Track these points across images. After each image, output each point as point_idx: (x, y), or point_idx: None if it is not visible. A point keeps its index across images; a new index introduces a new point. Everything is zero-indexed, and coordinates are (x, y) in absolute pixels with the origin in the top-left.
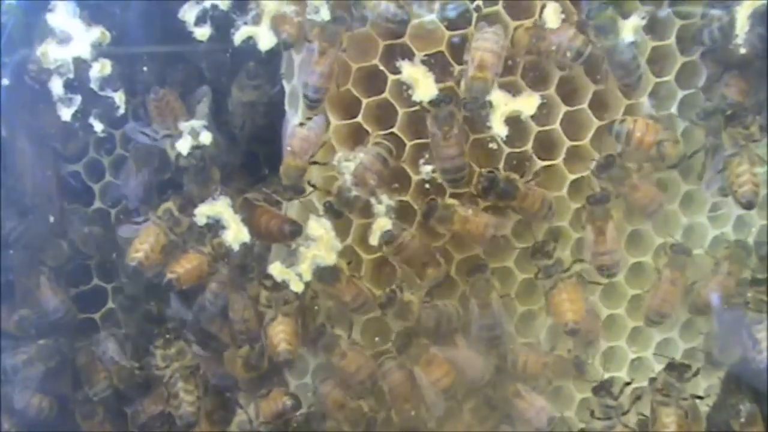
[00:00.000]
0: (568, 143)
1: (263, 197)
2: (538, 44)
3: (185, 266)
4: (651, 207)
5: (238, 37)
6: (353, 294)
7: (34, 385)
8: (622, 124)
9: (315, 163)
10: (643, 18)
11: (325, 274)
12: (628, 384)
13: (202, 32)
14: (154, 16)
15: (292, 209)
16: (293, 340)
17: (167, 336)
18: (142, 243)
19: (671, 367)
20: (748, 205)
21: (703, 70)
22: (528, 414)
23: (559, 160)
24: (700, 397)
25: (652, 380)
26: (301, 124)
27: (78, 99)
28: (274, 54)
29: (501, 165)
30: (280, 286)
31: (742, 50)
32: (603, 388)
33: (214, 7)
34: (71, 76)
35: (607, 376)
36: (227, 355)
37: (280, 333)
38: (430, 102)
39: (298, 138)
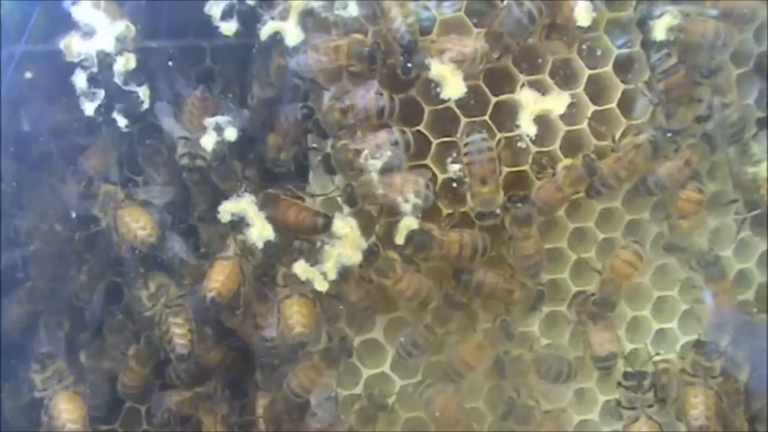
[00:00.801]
0: (594, 142)
1: (284, 192)
2: None
3: (219, 278)
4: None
5: (265, 32)
6: (360, 295)
7: None
8: None
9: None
10: (675, 17)
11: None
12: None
13: (229, 27)
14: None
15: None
16: (309, 323)
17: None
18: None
19: (699, 344)
20: None
21: None
22: None
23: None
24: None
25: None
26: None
27: (101, 93)
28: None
29: (529, 164)
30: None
31: None
32: (633, 377)
33: (241, 1)
34: (95, 69)
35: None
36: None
37: (295, 314)
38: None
39: (364, 103)
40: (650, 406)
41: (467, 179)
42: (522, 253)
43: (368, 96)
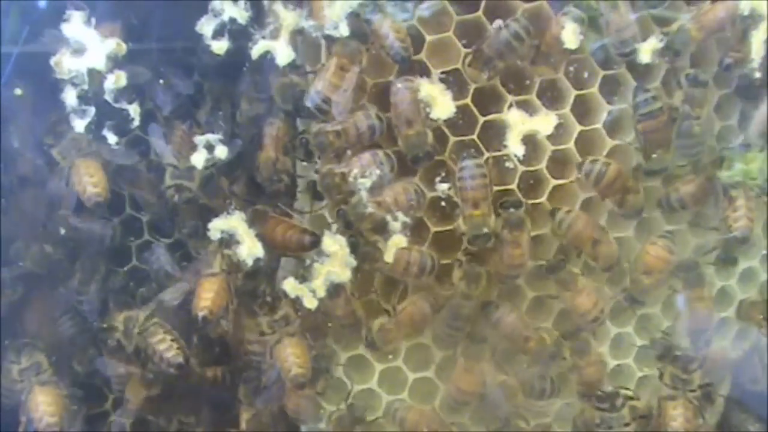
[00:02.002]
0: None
1: (272, 209)
2: None
3: (209, 296)
4: (590, 315)
5: (256, 51)
6: (346, 312)
7: None
8: (594, 164)
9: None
10: (660, 40)
11: (330, 290)
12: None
13: (220, 46)
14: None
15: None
16: (304, 362)
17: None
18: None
19: (675, 359)
20: None
21: None
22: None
23: (573, 179)
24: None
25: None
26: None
27: (92, 110)
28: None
29: (515, 183)
30: (275, 308)
31: (757, 74)
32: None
33: (232, 20)
34: (85, 87)
35: None
36: None
37: (290, 356)
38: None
39: (357, 125)
40: (627, 424)
41: (459, 203)
42: (509, 261)
43: (359, 116)
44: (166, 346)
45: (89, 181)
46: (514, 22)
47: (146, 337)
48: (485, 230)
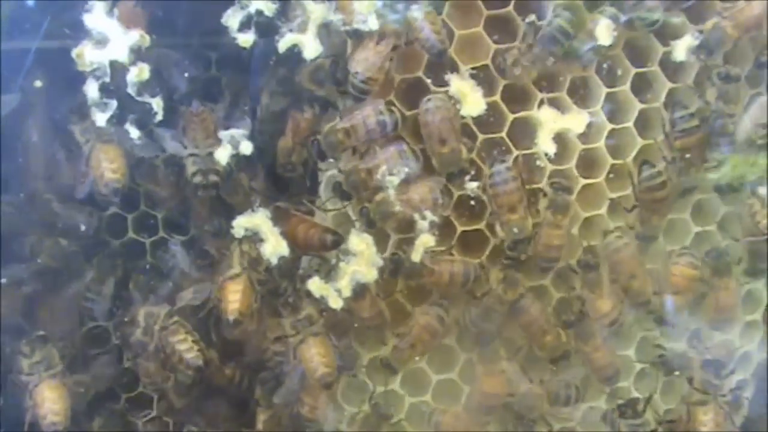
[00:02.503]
0: (611, 161)
1: (294, 207)
2: None
3: (236, 297)
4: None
5: (283, 44)
6: (372, 313)
7: None
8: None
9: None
10: (696, 38)
11: (354, 291)
12: None
13: (246, 39)
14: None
15: (326, 222)
16: (330, 362)
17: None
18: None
19: (707, 363)
20: None
21: None
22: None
23: (600, 179)
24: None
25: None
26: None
27: (114, 104)
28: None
29: (544, 182)
30: (298, 308)
31: None
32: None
33: (259, 12)
34: (107, 79)
35: None
36: None
37: (315, 356)
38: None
39: (367, 124)
40: (653, 430)
41: (495, 209)
42: (546, 241)
43: (367, 112)
44: (186, 347)
45: (109, 166)
46: (556, 18)
47: (167, 336)
48: (525, 234)
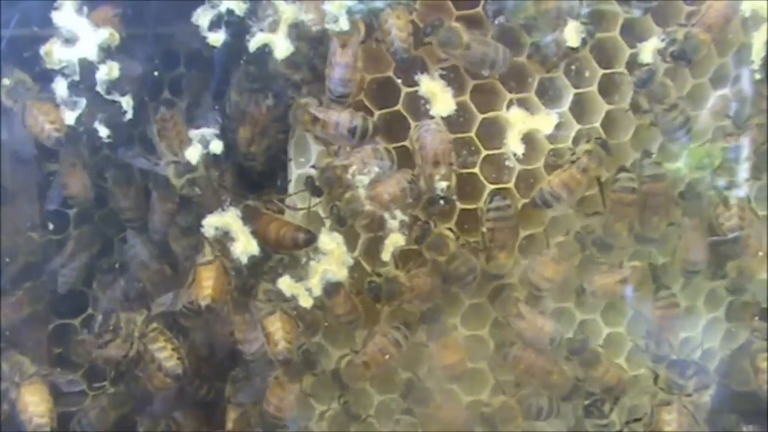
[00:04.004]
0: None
1: (265, 205)
2: None
3: (209, 283)
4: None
5: (254, 44)
6: (347, 309)
7: None
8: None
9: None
10: (662, 40)
11: (327, 288)
12: None
13: (216, 38)
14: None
15: (296, 220)
16: (292, 339)
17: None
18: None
19: (673, 363)
20: None
21: None
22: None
23: None
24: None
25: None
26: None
27: (83, 102)
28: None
29: (512, 182)
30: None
31: (758, 76)
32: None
33: (230, 12)
34: (76, 78)
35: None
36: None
37: (279, 330)
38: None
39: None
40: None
41: (487, 242)
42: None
43: (343, 114)
44: (166, 355)
45: (46, 119)
46: None
47: (146, 344)
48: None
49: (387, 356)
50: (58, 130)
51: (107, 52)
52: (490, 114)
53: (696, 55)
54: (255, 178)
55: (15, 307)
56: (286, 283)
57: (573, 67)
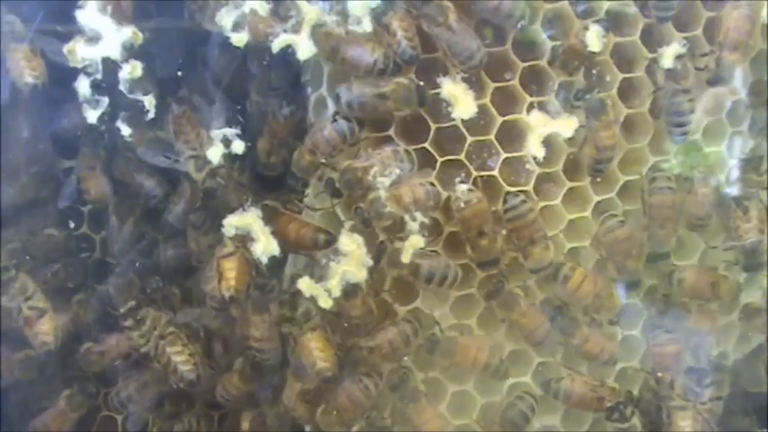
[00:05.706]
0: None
1: (284, 205)
2: None
3: (232, 275)
4: (603, 357)
5: (277, 44)
6: (363, 311)
7: None
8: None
9: (324, 164)
10: (683, 45)
11: (346, 290)
12: None
13: (239, 38)
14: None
15: (314, 221)
16: (329, 356)
17: (134, 315)
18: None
19: (690, 370)
20: None
21: None
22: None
23: (585, 182)
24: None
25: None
26: (334, 120)
27: (105, 101)
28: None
29: (531, 185)
30: (295, 305)
31: None
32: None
33: (253, 12)
34: (99, 76)
35: None
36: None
37: (314, 350)
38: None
39: (324, 135)
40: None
41: (516, 242)
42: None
43: (324, 125)
44: (183, 359)
45: (27, 65)
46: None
47: (164, 345)
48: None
49: (356, 405)
50: (37, 78)
51: (130, 51)
52: (510, 117)
53: (730, 76)
54: (274, 179)
55: None
56: (305, 284)
57: (594, 72)
